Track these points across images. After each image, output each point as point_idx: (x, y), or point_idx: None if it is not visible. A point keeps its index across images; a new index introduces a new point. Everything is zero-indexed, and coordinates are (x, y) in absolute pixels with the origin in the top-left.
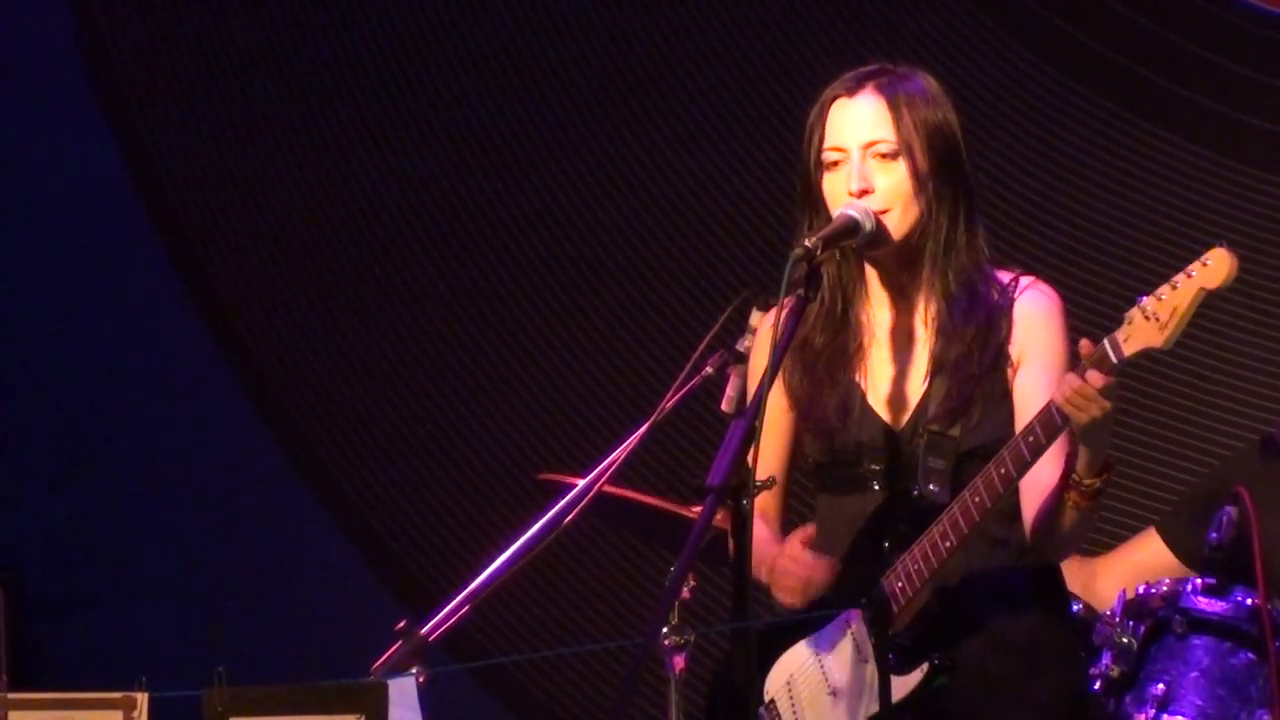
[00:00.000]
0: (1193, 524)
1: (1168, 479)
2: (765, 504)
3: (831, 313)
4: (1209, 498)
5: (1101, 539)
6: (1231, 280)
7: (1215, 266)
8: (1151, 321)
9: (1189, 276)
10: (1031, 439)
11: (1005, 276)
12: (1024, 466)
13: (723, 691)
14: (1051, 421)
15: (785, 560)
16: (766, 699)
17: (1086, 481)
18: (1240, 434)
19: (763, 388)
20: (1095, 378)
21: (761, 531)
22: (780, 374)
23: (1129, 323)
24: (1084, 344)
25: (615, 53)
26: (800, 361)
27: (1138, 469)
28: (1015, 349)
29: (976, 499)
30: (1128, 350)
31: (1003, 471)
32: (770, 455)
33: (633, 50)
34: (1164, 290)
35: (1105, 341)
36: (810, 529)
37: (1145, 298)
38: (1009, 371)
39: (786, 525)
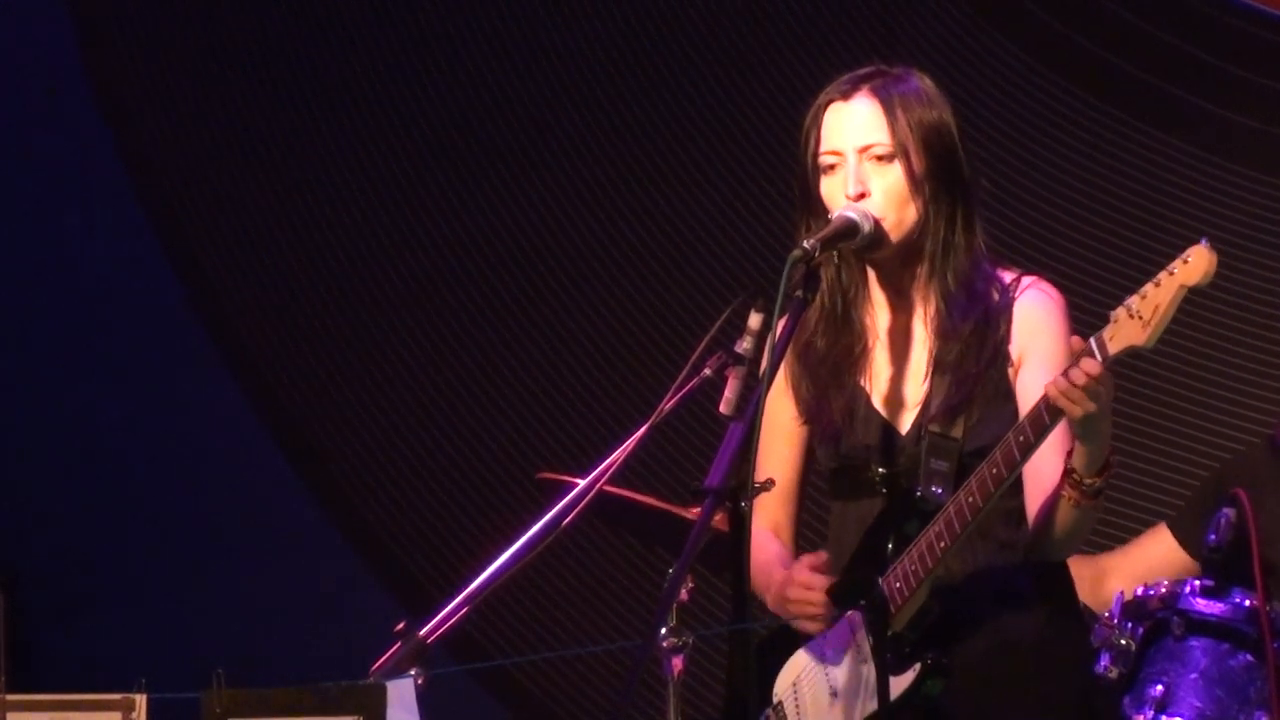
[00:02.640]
0: (1203, 521)
1: (1169, 479)
2: (778, 518)
3: (833, 316)
4: (1219, 494)
5: (1108, 536)
6: (1211, 277)
7: (1195, 263)
8: (1135, 320)
9: (1170, 274)
10: (1021, 438)
11: (1008, 276)
12: (1014, 465)
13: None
14: (1040, 420)
15: (797, 590)
16: (775, 700)
17: (1087, 480)
18: (1241, 430)
19: (761, 390)
20: (1090, 365)
21: (772, 549)
22: (788, 381)
23: (1114, 321)
24: (1074, 341)
25: (613, 54)
26: (805, 367)
27: (1141, 468)
28: (1015, 348)
29: (970, 499)
30: (1113, 349)
31: (994, 471)
32: (782, 465)
33: (630, 52)
34: (1147, 288)
35: (1091, 340)
36: (821, 555)
37: (1131, 296)
38: (1010, 371)
39: (800, 536)
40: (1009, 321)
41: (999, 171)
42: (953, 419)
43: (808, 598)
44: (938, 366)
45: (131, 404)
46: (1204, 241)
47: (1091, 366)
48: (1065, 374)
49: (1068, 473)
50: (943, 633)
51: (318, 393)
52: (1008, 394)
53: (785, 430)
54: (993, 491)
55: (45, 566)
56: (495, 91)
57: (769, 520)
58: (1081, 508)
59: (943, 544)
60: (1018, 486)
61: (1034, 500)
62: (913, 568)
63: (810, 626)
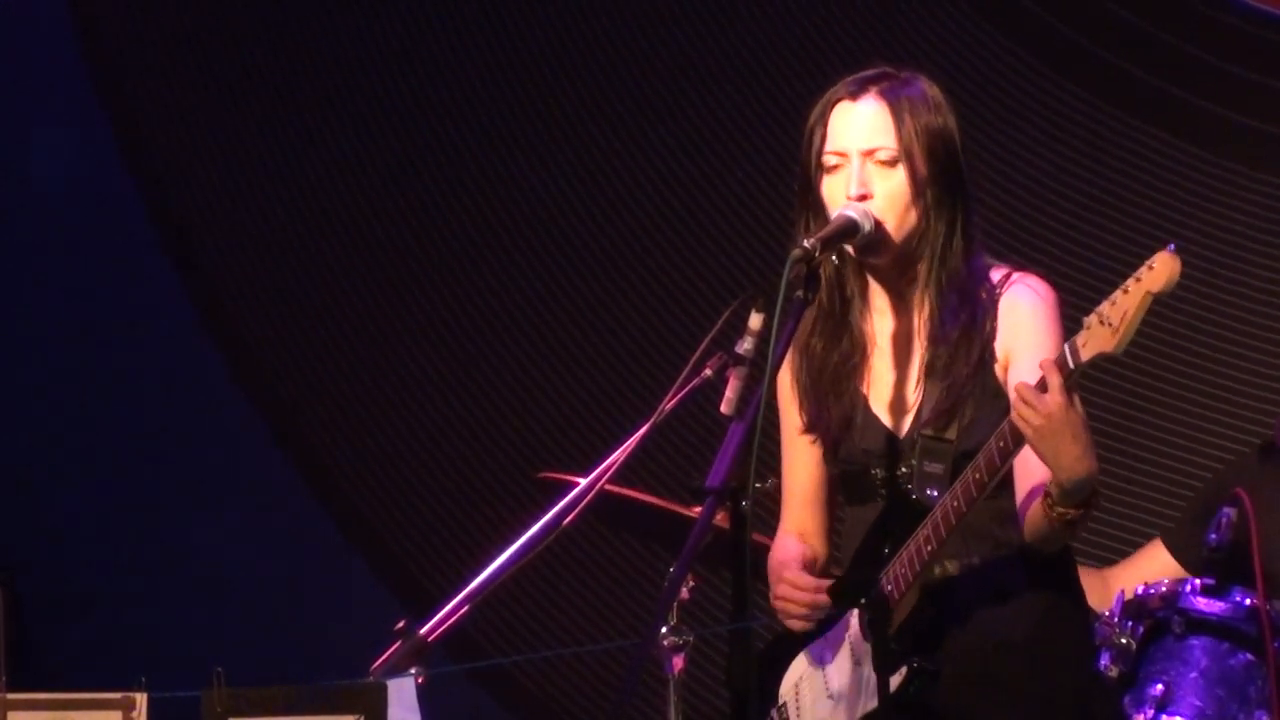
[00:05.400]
0: (1197, 533)
1: (1163, 488)
2: (803, 522)
3: (831, 319)
4: (1211, 506)
5: (1102, 546)
6: (1174, 283)
7: (1159, 270)
8: (1105, 326)
9: (1137, 281)
10: (1001, 444)
11: (998, 274)
12: (995, 470)
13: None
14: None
15: (785, 588)
16: (779, 702)
17: (1059, 509)
18: (1236, 438)
19: (762, 390)
20: (1047, 369)
21: (791, 550)
22: (795, 389)
23: (1087, 328)
24: (1043, 362)
25: (615, 57)
26: (806, 371)
27: (1135, 478)
28: (1001, 346)
29: (954, 502)
30: (1084, 355)
31: (977, 476)
32: (803, 469)
33: (631, 54)
34: (1117, 295)
35: (1065, 347)
36: (812, 553)
37: (1103, 303)
38: (998, 369)
39: (834, 540)
40: (994, 319)
41: (998, 171)
42: (946, 422)
43: (792, 596)
44: (929, 371)
45: (132, 404)
46: (1170, 247)
47: (1048, 369)
48: (1017, 387)
49: (1045, 493)
50: (935, 633)
51: (319, 393)
52: (998, 392)
53: (801, 435)
54: (975, 496)
55: (45, 566)
56: (499, 93)
57: (794, 524)
58: (1053, 526)
59: (930, 547)
60: (1009, 485)
61: (1020, 495)
62: (902, 570)
63: (795, 625)
